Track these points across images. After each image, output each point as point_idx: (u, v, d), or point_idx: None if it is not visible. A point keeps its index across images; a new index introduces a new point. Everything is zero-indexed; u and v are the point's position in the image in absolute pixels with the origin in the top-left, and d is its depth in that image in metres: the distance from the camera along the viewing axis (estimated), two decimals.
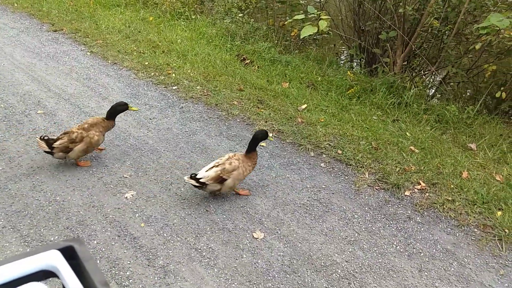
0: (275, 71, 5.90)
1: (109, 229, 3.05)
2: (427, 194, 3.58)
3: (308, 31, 4.99)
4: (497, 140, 4.42)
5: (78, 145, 3.50)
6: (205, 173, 3.18)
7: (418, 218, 3.33)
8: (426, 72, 5.40)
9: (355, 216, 3.32)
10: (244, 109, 4.80)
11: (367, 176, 3.79)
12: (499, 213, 3.35)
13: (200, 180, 3.15)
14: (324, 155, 4.07)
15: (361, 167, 3.91)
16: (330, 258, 2.89)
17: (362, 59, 6.39)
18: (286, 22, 5.67)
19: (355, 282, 2.71)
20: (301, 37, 5.11)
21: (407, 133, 4.51)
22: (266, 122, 4.57)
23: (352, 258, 2.91)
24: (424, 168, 3.88)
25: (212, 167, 3.22)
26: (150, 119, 4.52)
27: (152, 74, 5.56)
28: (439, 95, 5.77)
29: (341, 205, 3.44)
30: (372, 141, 4.28)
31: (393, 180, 3.68)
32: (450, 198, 3.51)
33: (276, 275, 2.73)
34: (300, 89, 5.47)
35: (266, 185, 3.59)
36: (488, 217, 3.32)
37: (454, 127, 4.69)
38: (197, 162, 3.84)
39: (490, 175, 3.88)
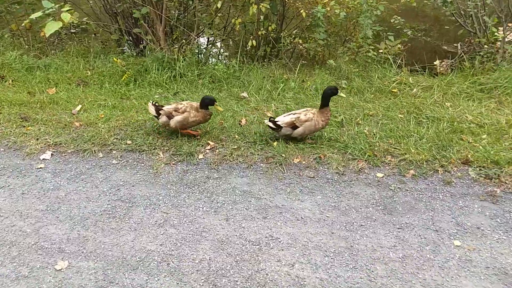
0: (35, 80, 5.19)
1: None
2: (217, 150, 3.86)
3: (52, 27, 4.48)
4: (262, 83, 5.06)
5: (178, 116, 3.78)
6: (283, 118, 3.72)
7: (215, 174, 3.58)
8: (189, 40, 5.66)
9: (160, 198, 3.33)
10: (6, 133, 4.10)
11: (162, 156, 3.81)
12: (275, 143, 3.90)
13: (277, 123, 3.70)
14: (114, 151, 3.89)
15: (154, 149, 3.90)
16: (144, 249, 2.85)
17: (128, 42, 6.23)
18: (24, 23, 4.95)
19: (173, 260, 2.76)
20: (47, 35, 4.56)
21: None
22: (37, 139, 4.02)
23: (166, 238, 2.94)
24: (210, 129, 4.15)
25: (290, 115, 3.73)
26: None
27: None
28: (211, 58, 6.17)
29: (144, 193, 3.38)
30: None
31: (186, 150, 3.82)
32: (236, 147, 3.88)
33: None
34: (70, 91, 5.00)
35: (57, 209, 3.21)
36: (268, 150, 3.83)
37: (227, 82, 5.13)
38: None
39: (263, 114, 4.46)
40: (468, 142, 3.75)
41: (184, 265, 2.73)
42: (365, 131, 4.00)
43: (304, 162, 3.68)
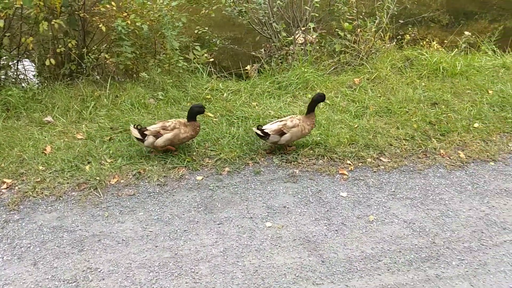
0: None
1: None
2: (16, 188, 3.35)
3: None
4: (69, 103, 4.63)
5: (168, 133, 3.62)
6: (270, 126, 3.74)
7: (15, 216, 3.10)
8: None
9: None
10: None
11: None
12: (87, 167, 3.62)
13: (265, 131, 3.68)
14: None
15: None
16: None
17: None
18: None
19: None
20: None
21: None
22: None
23: None
24: (4, 164, 3.58)
25: (276, 122, 3.77)
26: None
27: None
28: (7, 83, 5.32)
29: None
30: None
31: None
32: (40, 179, 3.45)
33: None
34: None
35: None
36: (79, 176, 3.52)
37: (25, 108, 4.51)
38: None
39: (73, 137, 4.09)
40: None
41: None
42: None
43: (122, 181, 3.52)
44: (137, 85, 5.05)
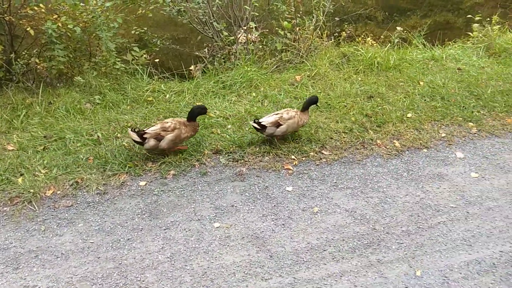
0: None
1: None
2: None
3: None
4: None
5: (169, 134, 3.55)
6: (267, 119, 3.87)
7: None
8: None
9: None
10: None
11: None
12: (20, 179, 3.38)
13: (262, 123, 3.80)
14: None
15: None
16: None
17: None
18: None
19: None
20: None
21: None
22: None
23: None
24: None
25: (273, 115, 3.91)
26: None
27: None
28: None
29: None
30: None
31: None
32: None
33: None
34: None
35: None
36: (11, 189, 3.29)
37: None
38: None
39: (3, 149, 3.81)
40: (218, 134, 4.21)
41: None
42: (124, 143, 3.95)
43: (59, 192, 3.33)
44: (72, 90, 4.81)
